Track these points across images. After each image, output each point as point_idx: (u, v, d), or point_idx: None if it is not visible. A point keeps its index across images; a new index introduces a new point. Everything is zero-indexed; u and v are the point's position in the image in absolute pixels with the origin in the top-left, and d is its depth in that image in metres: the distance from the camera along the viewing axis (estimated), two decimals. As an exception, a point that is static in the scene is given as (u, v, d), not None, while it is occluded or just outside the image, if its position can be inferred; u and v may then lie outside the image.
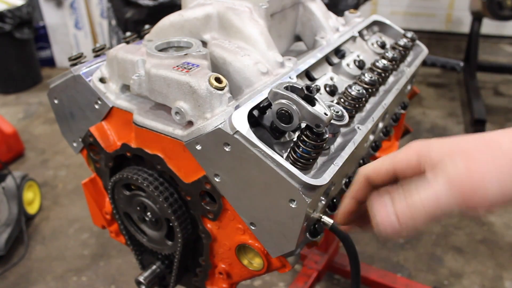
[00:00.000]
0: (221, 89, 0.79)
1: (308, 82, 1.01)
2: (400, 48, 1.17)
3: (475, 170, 0.51)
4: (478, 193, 0.50)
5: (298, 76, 0.95)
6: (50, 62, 4.97)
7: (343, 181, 0.93)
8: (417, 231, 0.53)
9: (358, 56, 1.14)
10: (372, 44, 1.25)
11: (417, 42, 1.30)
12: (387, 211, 0.55)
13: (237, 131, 0.72)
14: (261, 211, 0.78)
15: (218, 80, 0.79)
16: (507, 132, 0.54)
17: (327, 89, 1.01)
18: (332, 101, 0.93)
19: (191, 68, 0.81)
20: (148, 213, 0.97)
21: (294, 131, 0.83)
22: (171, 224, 0.94)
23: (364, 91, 0.92)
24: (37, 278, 2.27)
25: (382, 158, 0.61)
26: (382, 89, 1.11)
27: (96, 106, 0.99)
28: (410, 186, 0.54)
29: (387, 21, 1.33)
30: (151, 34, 1.04)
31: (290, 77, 0.91)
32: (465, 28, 4.82)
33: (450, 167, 0.51)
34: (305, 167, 0.75)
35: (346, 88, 0.92)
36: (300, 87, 0.73)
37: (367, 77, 0.98)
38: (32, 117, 3.96)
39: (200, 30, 0.99)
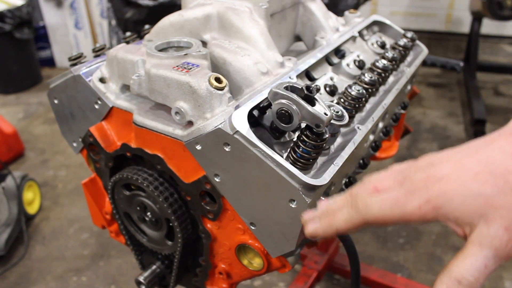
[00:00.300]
0: (221, 89, 0.79)
1: (308, 82, 1.01)
2: (400, 48, 1.17)
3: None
4: (450, 211, 0.51)
5: (298, 76, 0.95)
6: (50, 62, 4.97)
7: (343, 181, 0.94)
8: None
9: (358, 56, 1.14)
10: (372, 44, 1.25)
11: (417, 42, 1.30)
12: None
13: (237, 131, 0.72)
14: (261, 211, 0.78)
15: (218, 80, 0.79)
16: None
17: (327, 89, 1.01)
18: (332, 101, 0.93)
19: (191, 68, 0.81)
20: (148, 213, 0.97)
21: (294, 131, 0.83)
22: (171, 224, 0.94)
23: (364, 91, 0.92)
24: (37, 278, 2.27)
25: (390, 203, 0.55)
26: (382, 89, 1.11)
27: (96, 106, 0.99)
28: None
29: (387, 21, 1.33)
30: (151, 34, 1.04)
31: (290, 77, 0.91)
32: (465, 28, 4.82)
33: (493, 238, 0.49)
34: (305, 167, 0.75)
35: (346, 88, 0.92)
36: (300, 87, 0.73)
37: (367, 77, 0.98)
38: (32, 117, 3.96)
39: (200, 30, 0.99)
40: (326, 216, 0.61)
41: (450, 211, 0.51)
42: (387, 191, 0.56)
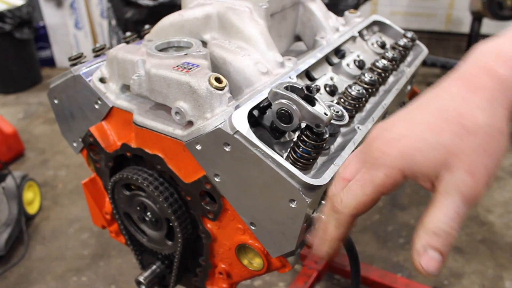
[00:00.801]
0: (221, 89, 0.79)
1: (308, 82, 1.01)
2: (400, 48, 1.17)
3: (480, 174, 0.49)
4: (483, 191, 0.50)
5: (298, 76, 0.95)
6: (50, 62, 4.97)
7: (343, 181, 0.93)
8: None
9: (358, 56, 1.14)
10: (372, 44, 1.25)
11: (417, 42, 1.30)
12: (429, 250, 0.52)
13: (237, 131, 0.72)
14: (261, 211, 0.78)
15: (218, 80, 0.79)
16: (480, 96, 0.51)
17: (327, 89, 1.01)
18: (332, 101, 0.93)
19: (191, 68, 0.81)
20: (148, 213, 0.97)
21: (294, 131, 0.83)
22: (171, 224, 0.94)
23: (364, 91, 0.92)
24: (37, 278, 2.27)
25: (359, 186, 0.55)
26: (382, 89, 1.11)
27: (96, 106, 0.99)
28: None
29: (387, 21, 1.33)
30: (151, 34, 1.04)
31: (290, 77, 0.91)
32: (465, 28, 4.82)
33: (458, 184, 0.50)
34: (305, 167, 0.75)
35: (346, 88, 0.92)
36: (300, 87, 0.73)
37: (367, 77, 0.98)
38: (32, 117, 3.96)
39: (200, 30, 0.99)
40: (323, 233, 0.61)
41: (415, 168, 0.51)
42: (355, 175, 0.56)
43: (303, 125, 0.75)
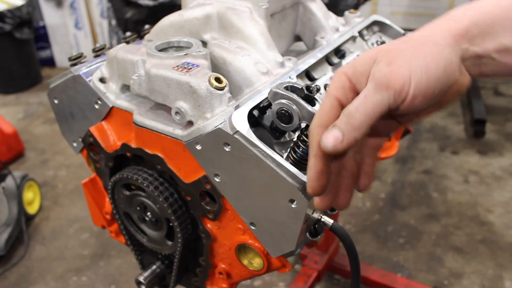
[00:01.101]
0: (221, 89, 0.79)
1: (308, 82, 1.01)
2: (400, 48, 1.17)
3: (398, 65, 0.54)
4: (404, 83, 0.53)
5: (298, 76, 0.95)
6: (50, 62, 4.97)
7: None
8: (359, 141, 0.53)
9: (358, 56, 1.14)
10: (372, 44, 1.25)
11: (417, 42, 1.29)
12: (331, 128, 0.54)
13: (237, 131, 0.72)
14: (261, 211, 0.78)
15: (218, 80, 0.79)
16: (425, 26, 0.59)
17: (327, 89, 1.01)
18: (332, 101, 0.93)
19: (191, 68, 0.81)
20: (148, 213, 0.97)
21: (294, 131, 0.83)
22: (171, 224, 0.94)
23: (364, 91, 0.92)
24: (37, 278, 2.27)
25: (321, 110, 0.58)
26: (382, 89, 1.11)
27: (96, 106, 0.99)
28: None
29: (387, 21, 1.33)
30: (151, 34, 1.04)
31: (290, 77, 0.91)
32: (465, 28, 4.81)
33: (375, 72, 0.55)
34: (305, 167, 0.74)
35: (346, 88, 0.92)
36: (300, 87, 0.73)
37: (367, 77, 0.97)
38: (32, 117, 3.96)
39: (200, 30, 0.99)
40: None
41: (356, 71, 0.58)
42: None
43: (303, 125, 0.75)
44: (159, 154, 0.88)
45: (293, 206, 0.72)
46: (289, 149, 0.76)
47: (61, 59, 4.93)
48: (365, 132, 0.53)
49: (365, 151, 0.64)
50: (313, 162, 0.58)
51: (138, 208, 0.98)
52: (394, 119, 0.62)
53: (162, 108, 0.89)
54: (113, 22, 3.10)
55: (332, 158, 0.58)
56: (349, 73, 0.59)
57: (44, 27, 4.79)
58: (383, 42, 1.25)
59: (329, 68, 1.10)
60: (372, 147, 0.64)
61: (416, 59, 0.55)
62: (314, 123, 0.58)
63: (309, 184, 0.59)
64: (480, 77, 0.61)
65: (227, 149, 0.75)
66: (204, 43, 0.96)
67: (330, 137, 0.53)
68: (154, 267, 1.07)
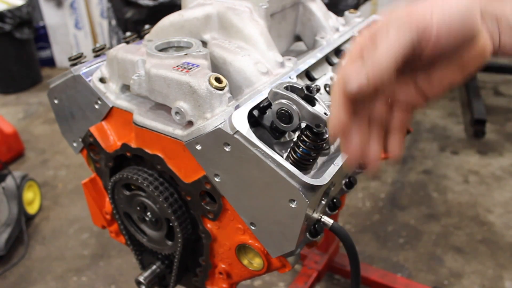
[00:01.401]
0: (221, 89, 0.79)
1: (308, 82, 1.01)
2: (400, 48, 1.17)
3: (419, 5, 0.53)
4: (426, 20, 0.51)
5: (298, 76, 0.95)
6: (50, 62, 4.97)
7: (343, 181, 0.93)
8: (387, 80, 0.51)
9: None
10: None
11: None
12: (355, 65, 0.53)
13: (237, 131, 0.72)
14: (261, 211, 0.78)
15: (218, 80, 0.79)
16: None
17: (327, 89, 1.01)
18: (332, 101, 0.93)
19: (191, 68, 0.81)
20: (148, 213, 0.97)
21: (294, 131, 0.83)
22: (171, 224, 0.94)
23: (364, 91, 0.92)
24: (37, 278, 2.27)
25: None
26: (382, 89, 1.11)
27: (96, 106, 0.99)
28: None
29: (387, 21, 1.33)
30: (151, 34, 1.04)
31: (290, 77, 0.91)
32: (465, 28, 4.81)
33: (396, 14, 0.53)
34: (305, 167, 0.75)
35: (346, 88, 0.92)
36: (300, 87, 0.73)
37: (367, 77, 0.97)
38: (32, 117, 3.96)
39: (200, 30, 0.99)
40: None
41: (378, 25, 0.55)
42: None
43: (303, 125, 0.75)
44: (159, 154, 0.88)
45: (293, 206, 0.72)
46: (289, 149, 0.76)
47: (61, 59, 4.93)
48: (391, 72, 0.51)
49: (396, 108, 0.61)
50: (337, 101, 0.55)
51: (138, 208, 0.98)
52: (418, 86, 0.59)
53: (162, 108, 0.89)
54: (113, 22, 3.10)
55: (359, 100, 0.55)
56: (372, 29, 0.55)
57: (44, 27, 4.79)
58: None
59: (329, 68, 1.10)
60: (403, 105, 0.61)
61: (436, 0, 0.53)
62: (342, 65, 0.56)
63: (331, 122, 0.55)
64: (501, 52, 0.58)
65: (227, 149, 0.75)
66: (204, 43, 0.96)
67: (354, 75, 0.51)
68: (154, 267, 1.07)
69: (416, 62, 0.55)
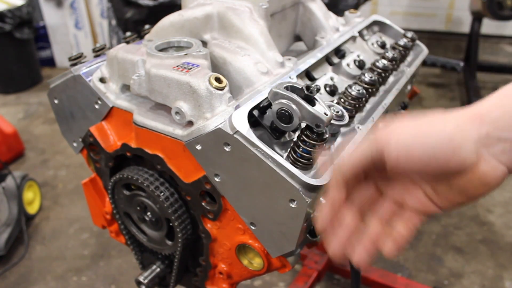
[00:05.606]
0: (221, 89, 0.79)
1: (308, 82, 1.01)
2: (400, 48, 1.17)
3: (392, 130, 0.55)
4: (389, 139, 0.54)
5: (298, 76, 0.95)
6: (50, 62, 4.97)
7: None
8: (349, 177, 0.58)
9: (358, 56, 1.14)
10: (372, 44, 1.25)
11: (417, 42, 1.30)
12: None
13: (237, 131, 0.72)
14: (261, 211, 0.78)
15: (218, 80, 0.79)
16: (433, 114, 0.58)
17: (327, 89, 1.01)
18: (332, 101, 0.93)
19: (191, 68, 0.81)
20: (148, 213, 0.97)
21: (294, 131, 0.83)
22: (171, 224, 0.94)
23: (364, 91, 0.92)
24: (37, 278, 2.27)
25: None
26: (382, 89, 1.11)
27: (96, 106, 0.99)
28: None
29: (387, 21, 1.33)
30: (151, 34, 1.04)
31: (290, 77, 0.91)
32: (465, 28, 4.82)
33: (374, 135, 0.57)
34: (305, 167, 0.75)
35: (346, 88, 0.92)
36: (300, 87, 0.73)
37: (367, 77, 0.98)
38: (32, 117, 3.96)
39: (200, 30, 0.99)
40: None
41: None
42: None
43: (303, 125, 0.75)
44: (159, 154, 0.88)
45: (293, 206, 0.72)
46: (289, 149, 0.76)
47: (61, 59, 4.92)
48: (348, 174, 0.58)
49: (404, 217, 0.61)
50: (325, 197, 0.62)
51: (138, 208, 0.98)
52: (428, 196, 0.59)
53: (162, 108, 0.89)
54: (113, 22, 3.10)
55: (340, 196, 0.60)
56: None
57: (44, 27, 4.79)
58: (383, 42, 1.25)
59: (329, 68, 1.10)
60: (411, 217, 0.60)
61: (411, 124, 0.54)
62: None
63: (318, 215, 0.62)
64: None
65: (227, 149, 0.75)
66: (204, 43, 0.96)
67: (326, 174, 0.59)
68: (154, 267, 1.07)
69: (382, 172, 0.57)
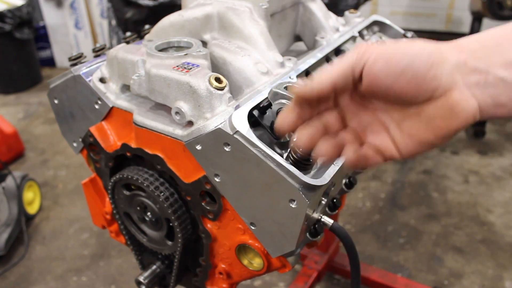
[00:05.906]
0: (221, 89, 0.79)
1: (308, 82, 1.01)
2: (400, 48, 1.16)
3: (374, 46, 0.55)
4: (369, 48, 0.55)
5: (298, 76, 0.95)
6: (50, 62, 4.97)
7: (343, 181, 0.93)
8: (325, 91, 0.57)
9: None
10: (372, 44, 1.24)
11: (417, 42, 1.29)
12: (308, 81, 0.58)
13: (237, 131, 0.72)
14: (261, 211, 0.78)
15: (218, 80, 0.79)
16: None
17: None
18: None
19: (191, 68, 0.81)
20: (148, 213, 0.97)
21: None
22: (171, 224, 0.94)
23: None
24: (37, 278, 2.27)
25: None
26: (382, 89, 1.11)
27: (96, 106, 0.99)
28: None
29: (387, 21, 1.33)
30: (151, 34, 1.04)
31: (290, 77, 0.91)
32: (465, 28, 4.82)
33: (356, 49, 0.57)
34: (305, 167, 0.75)
35: (346, 88, 0.92)
36: (300, 87, 0.73)
37: (367, 77, 0.97)
38: (32, 117, 3.96)
39: (200, 30, 0.99)
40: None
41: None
42: None
43: (303, 125, 0.75)
44: (159, 154, 0.88)
45: (293, 206, 0.72)
46: (289, 149, 0.76)
47: (61, 59, 4.92)
48: (327, 87, 0.56)
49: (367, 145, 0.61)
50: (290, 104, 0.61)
51: (138, 208, 0.98)
52: (390, 135, 0.59)
53: (162, 108, 0.89)
54: (113, 22, 3.10)
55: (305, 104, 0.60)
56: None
57: (44, 27, 4.79)
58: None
59: (329, 68, 1.10)
60: (374, 147, 0.60)
61: (393, 43, 0.55)
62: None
63: (278, 118, 0.62)
64: (497, 113, 0.53)
65: (227, 149, 0.75)
66: (204, 43, 0.96)
67: (303, 84, 0.59)
68: (154, 267, 1.07)
69: (354, 94, 0.58)
